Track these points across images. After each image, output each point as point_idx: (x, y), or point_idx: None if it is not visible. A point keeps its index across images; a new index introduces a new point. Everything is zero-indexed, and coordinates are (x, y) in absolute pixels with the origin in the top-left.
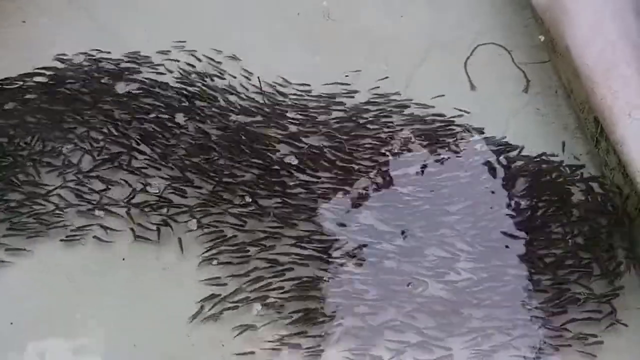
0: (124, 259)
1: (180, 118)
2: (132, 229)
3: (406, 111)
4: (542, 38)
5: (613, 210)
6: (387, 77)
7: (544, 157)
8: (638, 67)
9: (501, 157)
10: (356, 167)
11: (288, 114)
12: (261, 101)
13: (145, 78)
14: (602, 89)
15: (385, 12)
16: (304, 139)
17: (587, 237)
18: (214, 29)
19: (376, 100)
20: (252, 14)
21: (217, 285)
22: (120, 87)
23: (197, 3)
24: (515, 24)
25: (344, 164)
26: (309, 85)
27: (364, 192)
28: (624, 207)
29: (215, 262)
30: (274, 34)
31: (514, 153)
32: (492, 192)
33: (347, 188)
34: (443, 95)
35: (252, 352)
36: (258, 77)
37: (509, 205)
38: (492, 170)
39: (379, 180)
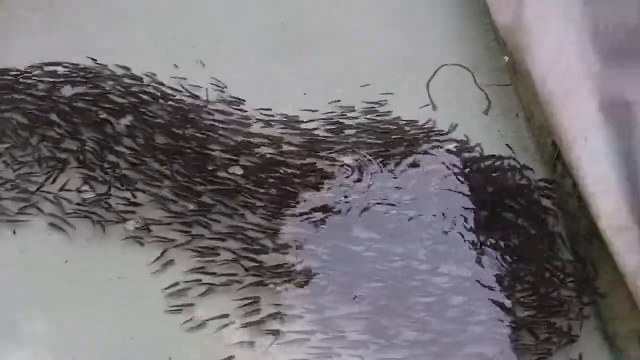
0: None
1: (125, 121)
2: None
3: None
4: (506, 59)
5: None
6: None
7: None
8: (596, 92)
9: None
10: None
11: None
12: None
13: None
14: (560, 113)
15: (352, 34)
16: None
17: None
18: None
19: (339, 120)
20: (218, 29)
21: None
22: (67, 90)
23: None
24: (480, 47)
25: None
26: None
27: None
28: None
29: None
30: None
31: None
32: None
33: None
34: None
35: None
36: (206, 89)
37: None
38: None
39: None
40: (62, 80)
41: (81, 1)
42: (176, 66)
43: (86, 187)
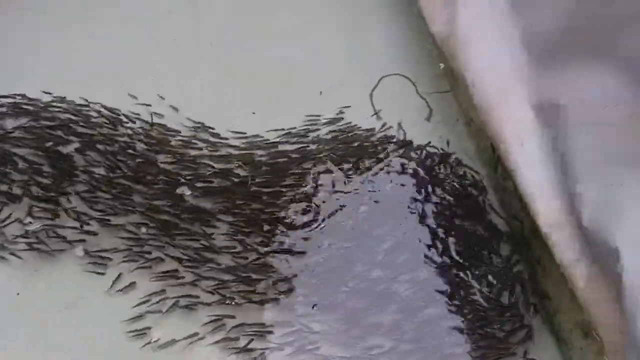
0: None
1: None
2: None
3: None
4: (442, 66)
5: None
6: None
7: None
8: (529, 95)
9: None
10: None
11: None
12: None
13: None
14: (497, 118)
15: (295, 45)
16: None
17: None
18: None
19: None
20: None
21: None
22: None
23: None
24: (420, 55)
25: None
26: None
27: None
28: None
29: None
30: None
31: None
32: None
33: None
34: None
35: None
36: (151, 114)
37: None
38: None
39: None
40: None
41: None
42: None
43: (29, 219)
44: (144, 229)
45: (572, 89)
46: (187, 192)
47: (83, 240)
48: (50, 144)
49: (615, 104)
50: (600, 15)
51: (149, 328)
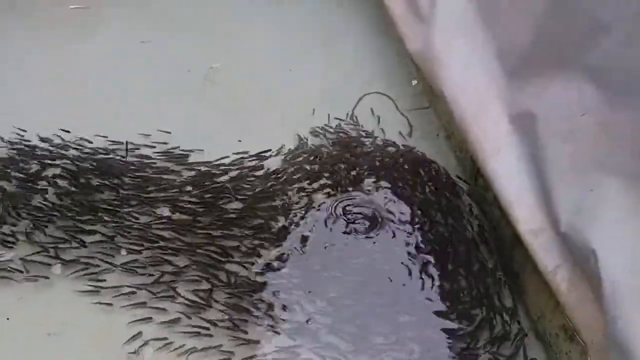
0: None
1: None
2: None
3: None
4: (414, 82)
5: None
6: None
7: None
8: (504, 107)
9: None
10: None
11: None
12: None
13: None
14: (474, 130)
15: (274, 66)
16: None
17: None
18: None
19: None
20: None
21: None
22: None
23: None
24: (399, 73)
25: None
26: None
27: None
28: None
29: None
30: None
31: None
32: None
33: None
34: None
35: None
36: (126, 142)
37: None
38: None
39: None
40: None
41: None
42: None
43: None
44: (123, 251)
45: (544, 99)
46: (166, 212)
47: (60, 258)
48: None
49: (583, 113)
50: (568, 28)
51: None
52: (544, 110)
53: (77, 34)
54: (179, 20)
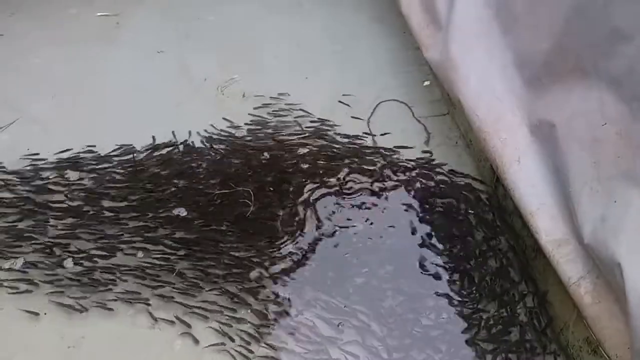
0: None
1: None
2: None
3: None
4: (426, 83)
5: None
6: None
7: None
8: (523, 116)
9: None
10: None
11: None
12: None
13: None
14: (493, 138)
15: (290, 75)
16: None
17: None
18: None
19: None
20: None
21: None
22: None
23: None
24: (416, 80)
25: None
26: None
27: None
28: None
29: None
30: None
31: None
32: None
33: None
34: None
35: None
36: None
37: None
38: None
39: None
40: None
41: None
42: None
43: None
44: (140, 254)
45: (565, 108)
46: (183, 212)
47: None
48: None
49: (604, 122)
50: (589, 36)
51: None
52: (565, 120)
53: (99, 43)
54: (197, 29)
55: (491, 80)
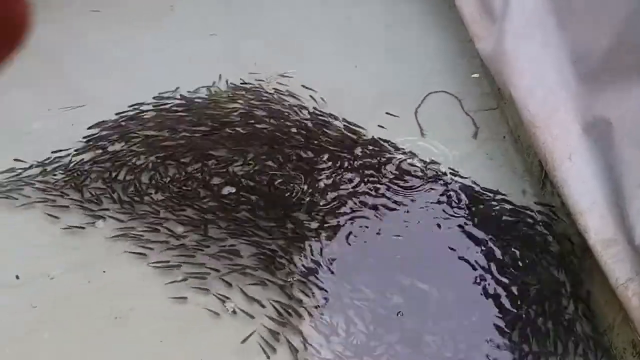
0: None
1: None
2: None
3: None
4: (475, 75)
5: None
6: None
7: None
8: (577, 112)
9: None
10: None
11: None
12: None
13: None
14: (544, 134)
15: (339, 63)
16: None
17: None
18: None
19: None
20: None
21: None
22: None
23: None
24: (466, 73)
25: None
26: None
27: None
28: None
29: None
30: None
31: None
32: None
33: None
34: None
35: None
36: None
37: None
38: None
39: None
40: None
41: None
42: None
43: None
44: (180, 229)
45: (622, 106)
46: (232, 190)
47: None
48: None
49: None
50: None
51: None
52: (621, 118)
53: (152, 26)
54: (251, 15)
55: (545, 75)
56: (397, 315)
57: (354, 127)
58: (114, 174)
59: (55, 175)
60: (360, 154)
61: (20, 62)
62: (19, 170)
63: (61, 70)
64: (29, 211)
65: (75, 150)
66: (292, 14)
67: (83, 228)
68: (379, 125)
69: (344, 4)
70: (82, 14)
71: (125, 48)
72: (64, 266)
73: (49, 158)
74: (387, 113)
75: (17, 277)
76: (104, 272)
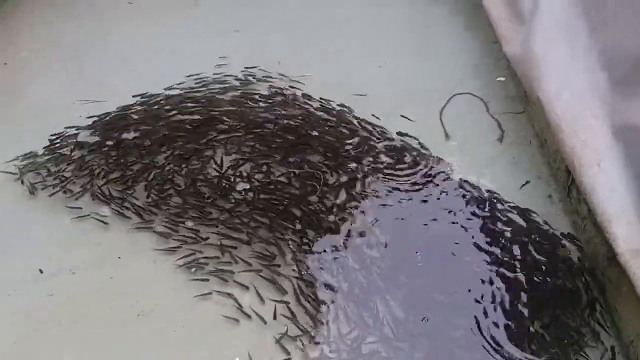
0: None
1: None
2: None
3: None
4: (501, 79)
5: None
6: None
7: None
8: (606, 118)
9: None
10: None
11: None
12: None
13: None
14: (572, 139)
15: (363, 62)
16: None
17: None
18: None
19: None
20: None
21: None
22: None
23: None
24: (491, 75)
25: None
26: None
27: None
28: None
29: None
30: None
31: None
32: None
33: None
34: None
35: None
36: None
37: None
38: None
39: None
40: None
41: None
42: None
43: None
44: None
45: None
46: (247, 186)
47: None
48: None
49: None
50: None
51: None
52: None
53: (176, 21)
54: (275, 12)
55: (574, 79)
56: (422, 320)
57: (375, 127)
58: (140, 170)
59: (78, 169)
60: (382, 155)
61: (44, 54)
62: (40, 162)
63: (82, 64)
64: (53, 206)
65: (100, 144)
66: (316, 12)
67: (107, 223)
68: (399, 129)
69: (369, 3)
70: (113, 7)
71: (150, 42)
72: (88, 261)
73: (71, 150)
74: (401, 116)
75: (41, 271)
76: (127, 268)
